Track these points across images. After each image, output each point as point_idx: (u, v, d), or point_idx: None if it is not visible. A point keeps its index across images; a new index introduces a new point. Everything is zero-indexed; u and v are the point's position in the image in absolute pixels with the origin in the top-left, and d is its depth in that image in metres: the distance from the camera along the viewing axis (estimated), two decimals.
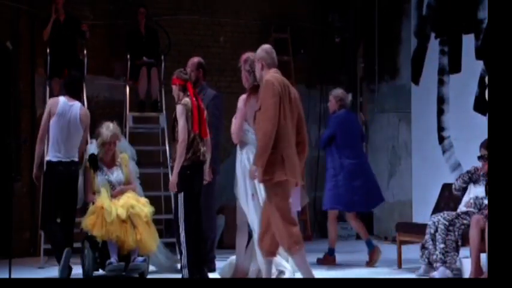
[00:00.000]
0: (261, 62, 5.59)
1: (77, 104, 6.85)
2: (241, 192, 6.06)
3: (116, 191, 6.78)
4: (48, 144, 6.68)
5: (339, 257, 7.89)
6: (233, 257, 6.25)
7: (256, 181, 5.68)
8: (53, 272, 7.16)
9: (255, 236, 5.87)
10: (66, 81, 7.09)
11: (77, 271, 6.86)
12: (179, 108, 6.06)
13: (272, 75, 5.49)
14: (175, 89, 6.32)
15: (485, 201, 6.57)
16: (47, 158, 6.68)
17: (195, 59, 7.18)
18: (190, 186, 6.09)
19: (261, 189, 5.84)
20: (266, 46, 5.69)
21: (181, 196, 5.96)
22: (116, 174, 6.88)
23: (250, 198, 5.98)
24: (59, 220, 6.70)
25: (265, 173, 5.23)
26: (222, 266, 6.38)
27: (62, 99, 6.84)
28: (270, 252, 5.49)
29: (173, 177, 6.03)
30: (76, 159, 6.75)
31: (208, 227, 6.95)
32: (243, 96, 6.14)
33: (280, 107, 5.28)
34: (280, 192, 5.30)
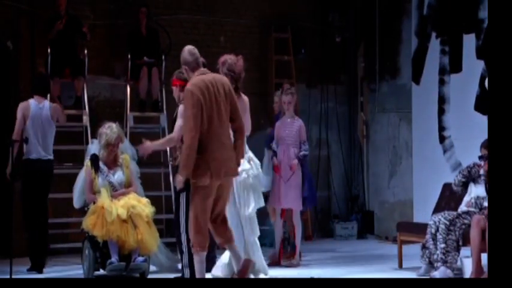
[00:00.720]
0: (184, 67, 5.69)
1: (46, 105, 7.24)
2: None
3: (117, 193, 6.77)
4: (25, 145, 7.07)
5: (339, 257, 7.90)
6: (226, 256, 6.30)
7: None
8: (53, 272, 7.17)
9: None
10: (34, 82, 7.49)
11: (78, 271, 6.87)
12: (181, 109, 6.07)
13: (193, 81, 5.58)
14: (175, 90, 6.33)
15: (486, 201, 6.56)
16: (26, 157, 7.13)
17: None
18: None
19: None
20: (188, 47, 5.75)
21: (182, 195, 5.96)
22: (117, 175, 6.87)
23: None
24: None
25: (192, 176, 5.46)
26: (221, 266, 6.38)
27: (32, 102, 7.20)
28: (225, 240, 5.69)
29: (180, 175, 6.07)
30: (52, 157, 7.24)
31: None
32: None
33: (202, 115, 5.45)
34: (202, 195, 5.50)
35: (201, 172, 5.44)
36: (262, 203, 6.44)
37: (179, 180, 5.63)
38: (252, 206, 6.30)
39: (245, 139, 5.89)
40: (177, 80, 6.31)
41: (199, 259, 5.60)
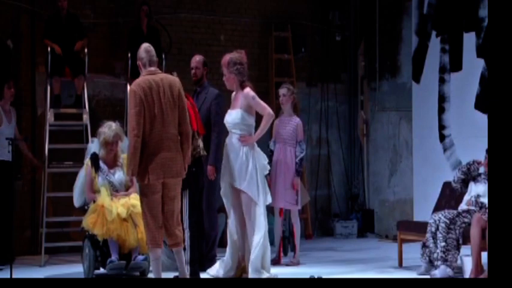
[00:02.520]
0: (139, 62, 5.80)
1: None
2: (251, 185, 6.18)
3: (118, 195, 6.76)
4: None
5: (339, 255, 7.90)
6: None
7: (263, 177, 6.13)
8: (53, 270, 7.17)
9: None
10: None
11: (78, 270, 6.87)
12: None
13: (138, 80, 5.69)
14: None
15: (486, 200, 6.56)
16: None
17: (198, 57, 7.20)
18: (195, 183, 6.16)
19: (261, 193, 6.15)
20: (144, 45, 5.88)
21: (186, 193, 5.97)
22: (117, 175, 6.86)
23: (262, 191, 6.19)
24: None
25: (137, 175, 5.64)
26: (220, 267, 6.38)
27: None
28: (173, 243, 5.76)
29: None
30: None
31: (210, 226, 6.96)
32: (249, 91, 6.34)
33: (145, 114, 5.56)
34: (148, 193, 5.64)
35: (141, 170, 5.58)
36: (270, 199, 6.47)
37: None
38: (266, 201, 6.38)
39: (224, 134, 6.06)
40: None
41: (153, 256, 5.70)
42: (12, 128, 7.62)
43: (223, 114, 6.67)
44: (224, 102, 7.07)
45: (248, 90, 6.32)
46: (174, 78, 5.81)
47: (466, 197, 6.81)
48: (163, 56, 8.71)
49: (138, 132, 5.53)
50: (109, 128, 6.86)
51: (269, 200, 6.44)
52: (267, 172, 6.50)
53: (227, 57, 6.42)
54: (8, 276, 5.97)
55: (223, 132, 6.99)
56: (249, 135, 6.28)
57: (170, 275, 6.58)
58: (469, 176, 6.80)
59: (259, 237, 6.16)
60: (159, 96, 5.62)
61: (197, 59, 7.23)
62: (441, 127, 8.90)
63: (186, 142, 5.74)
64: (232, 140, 6.31)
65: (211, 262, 6.83)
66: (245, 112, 6.29)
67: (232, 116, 6.34)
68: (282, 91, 7.56)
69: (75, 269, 7.05)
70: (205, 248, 6.89)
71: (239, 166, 6.21)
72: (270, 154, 7.42)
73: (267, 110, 6.31)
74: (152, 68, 5.75)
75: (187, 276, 5.85)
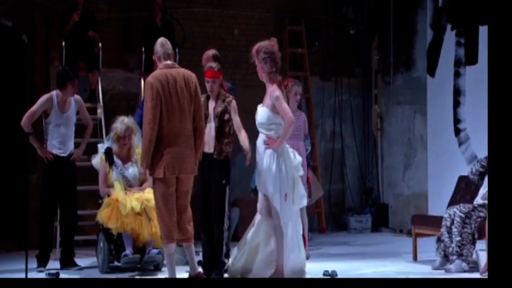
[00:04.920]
0: (155, 56, 5.77)
1: None
2: (274, 190, 5.81)
3: (132, 189, 6.77)
4: None
5: (353, 250, 7.86)
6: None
7: (292, 180, 5.83)
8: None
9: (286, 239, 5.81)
10: None
11: (93, 264, 6.89)
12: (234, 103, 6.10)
13: (155, 73, 5.66)
14: (215, 83, 6.20)
15: None
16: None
17: (210, 52, 7.18)
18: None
19: (296, 187, 5.90)
20: (160, 39, 5.84)
21: (226, 189, 5.93)
22: (132, 170, 6.88)
23: (283, 197, 5.81)
24: None
25: (150, 169, 5.63)
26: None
27: None
28: (183, 238, 5.71)
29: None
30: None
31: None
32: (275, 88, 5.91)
33: (162, 108, 5.53)
34: (160, 187, 5.64)
35: (156, 164, 5.56)
36: (305, 202, 6.18)
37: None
38: (302, 199, 6.10)
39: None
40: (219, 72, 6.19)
41: (167, 252, 5.67)
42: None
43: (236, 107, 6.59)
44: (237, 95, 7.05)
45: (274, 88, 5.84)
46: (190, 73, 5.75)
47: (482, 191, 6.76)
48: (177, 50, 8.70)
49: (154, 126, 5.49)
50: (121, 122, 6.88)
51: (304, 203, 6.11)
52: (301, 172, 6.09)
53: (256, 46, 5.95)
54: (24, 267, 5.99)
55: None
56: (276, 136, 5.85)
57: (182, 268, 6.58)
58: (487, 169, 6.76)
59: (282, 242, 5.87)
60: (176, 91, 5.59)
61: (205, 55, 7.15)
62: (456, 121, 8.84)
63: (200, 138, 5.70)
64: (259, 141, 5.93)
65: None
66: (271, 111, 5.83)
67: (259, 115, 5.91)
68: (299, 90, 7.44)
69: (90, 262, 7.07)
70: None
71: (263, 171, 5.85)
72: None
73: (288, 114, 5.77)
74: (169, 62, 5.72)
75: (198, 271, 5.79)
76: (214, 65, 6.26)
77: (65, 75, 6.96)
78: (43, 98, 6.88)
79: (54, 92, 6.92)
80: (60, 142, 6.86)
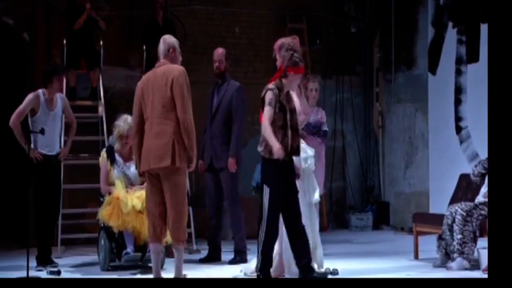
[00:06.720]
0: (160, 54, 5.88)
1: None
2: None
3: (134, 188, 6.77)
4: None
5: (354, 248, 7.85)
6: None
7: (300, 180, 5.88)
8: (71, 260, 7.22)
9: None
10: None
11: (94, 261, 6.90)
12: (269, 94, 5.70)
13: (147, 74, 5.81)
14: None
15: None
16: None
17: (221, 50, 7.20)
18: (275, 182, 5.72)
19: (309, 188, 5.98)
20: (165, 36, 5.94)
21: (265, 188, 5.59)
22: (133, 169, 6.85)
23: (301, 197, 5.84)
24: None
25: (137, 167, 5.81)
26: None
27: None
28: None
29: (230, 157, 6.40)
30: None
31: (236, 217, 7.09)
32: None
33: (143, 109, 5.71)
34: (145, 183, 5.87)
35: (137, 160, 5.74)
36: (317, 196, 6.22)
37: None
38: (316, 192, 6.12)
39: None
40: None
41: (151, 250, 5.70)
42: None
43: (245, 107, 6.60)
44: (245, 95, 7.10)
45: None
46: (173, 68, 5.68)
47: (483, 190, 6.76)
48: None
49: (136, 131, 5.72)
50: (124, 121, 6.88)
51: (317, 196, 6.15)
52: (313, 167, 6.09)
53: (279, 41, 5.89)
54: (25, 264, 6.00)
55: (244, 124, 7.06)
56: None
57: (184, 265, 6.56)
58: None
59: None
60: (153, 88, 5.66)
61: (220, 51, 7.20)
62: (457, 119, 8.84)
63: (184, 131, 5.58)
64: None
65: (243, 254, 6.87)
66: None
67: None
68: (315, 86, 7.32)
69: (91, 260, 7.08)
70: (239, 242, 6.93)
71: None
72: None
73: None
74: (162, 60, 5.77)
75: (182, 275, 5.71)
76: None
77: (51, 70, 6.92)
78: (30, 96, 6.83)
79: (40, 90, 6.89)
80: (47, 139, 6.80)
